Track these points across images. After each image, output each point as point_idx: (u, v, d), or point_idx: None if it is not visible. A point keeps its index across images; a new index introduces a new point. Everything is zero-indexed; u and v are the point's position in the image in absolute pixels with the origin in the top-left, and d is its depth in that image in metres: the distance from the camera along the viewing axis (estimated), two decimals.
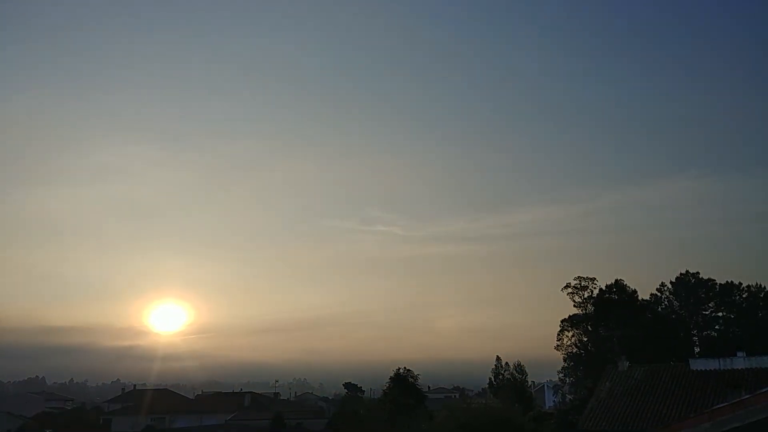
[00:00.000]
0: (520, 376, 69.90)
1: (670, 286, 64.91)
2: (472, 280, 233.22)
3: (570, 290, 62.39)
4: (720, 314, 63.60)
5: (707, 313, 63.56)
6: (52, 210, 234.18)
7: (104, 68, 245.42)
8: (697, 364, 33.44)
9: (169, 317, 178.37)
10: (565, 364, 62.71)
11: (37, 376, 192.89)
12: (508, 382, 68.61)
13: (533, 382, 78.13)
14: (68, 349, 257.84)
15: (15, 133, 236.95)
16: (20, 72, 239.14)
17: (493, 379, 72.45)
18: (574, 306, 61.92)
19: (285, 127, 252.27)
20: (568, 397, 61.98)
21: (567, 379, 64.92)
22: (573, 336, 61.18)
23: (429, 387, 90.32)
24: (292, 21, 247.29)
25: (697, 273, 64.59)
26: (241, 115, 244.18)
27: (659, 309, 62.72)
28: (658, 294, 64.66)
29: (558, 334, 61.64)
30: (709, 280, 64.08)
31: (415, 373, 51.98)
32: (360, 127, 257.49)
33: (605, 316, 54.74)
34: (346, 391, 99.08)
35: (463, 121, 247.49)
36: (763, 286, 62.15)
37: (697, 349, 58.63)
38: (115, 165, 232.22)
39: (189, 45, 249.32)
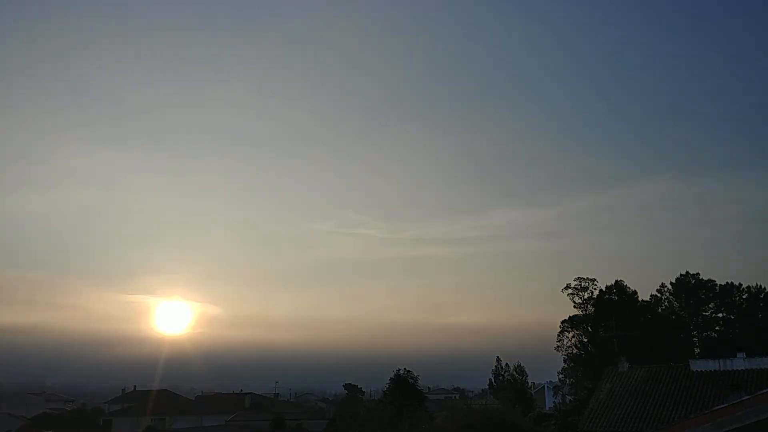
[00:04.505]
0: (520, 377, 69.98)
1: (670, 287, 64.98)
2: (457, 282, 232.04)
3: (570, 291, 62.46)
4: (720, 315, 63.69)
5: (707, 314, 63.66)
6: (29, 215, 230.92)
7: (73, 67, 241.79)
8: (698, 365, 33.42)
9: (169, 317, 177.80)
10: (566, 365, 62.75)
11: (37, 376, 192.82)
12: (508, 383, 68.72)
13: (533, 383, 78.19)
14: (68, 350, 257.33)
15: None
16: None
17: (493, 380, 72.58)
18: (574, 307, 61.99)
19: (266, 127, 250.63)
20: (568, 398, 62.00)
21: (567, 380, 64.97)
22: (573, 337, 61.21)
23: (429, 388, 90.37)
24: (268, 21, 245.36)
25: (697, 274, 64.73)
26: (221, 116, 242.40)
27: (659, 310, 62.75)
28: (659, 295, 64.73)
29: (558, 335, 61.71)
30: (710, 281, 64.16)
31: (415, 374, 52.03)
32: (337, 129, 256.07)
33: (605, 317, 54.75)
34: (346, 391, 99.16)
35: (437, 123, 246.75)
36: (763, 287, 62.26)
37: (697, 350, 58.70)
38: (84, 169, 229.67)
39: (169, 43, 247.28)
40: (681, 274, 65.10)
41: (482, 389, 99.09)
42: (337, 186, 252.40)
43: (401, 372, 51.58)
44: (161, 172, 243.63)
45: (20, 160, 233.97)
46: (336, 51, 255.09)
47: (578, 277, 62.83)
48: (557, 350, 61.74)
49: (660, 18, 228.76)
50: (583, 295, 61.90)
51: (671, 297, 65.00)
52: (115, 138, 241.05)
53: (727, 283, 63.58)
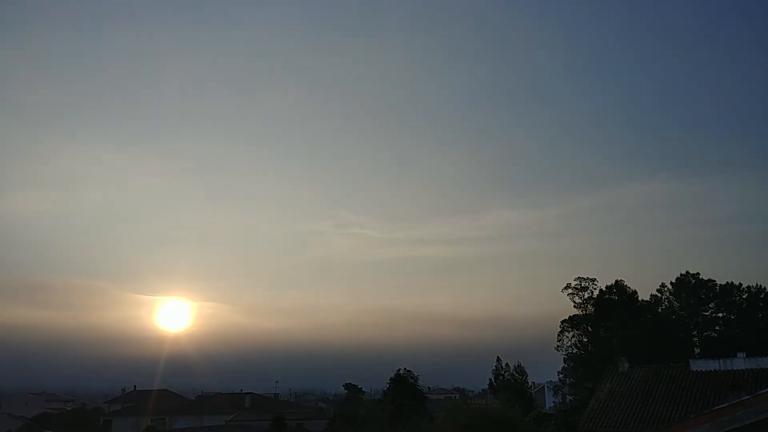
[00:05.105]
0: (520, 377, 69.99)
1: (670, 287, 64.97)
2: (455, 282, 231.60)
3: (570, 291, 62.49)
4: (720, 315, 63.68)
5: (707, 313, 63.64)
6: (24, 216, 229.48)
7: (74, 69, 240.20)
8: (698, 365, 33.46)
9: (168, 316, 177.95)
10: (566, 365, 62.78)
11: (37, 376, 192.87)
12: (508, 383, 68.71)
13: (533, 383, 78.17)
14: (69, 350, 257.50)
15: None
16: None
17: (493, 380, 72.52)
18: (574, 307, 62.03)
19: (258, 127, 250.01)
20: (569, 397, 62.02)
21: (567, 379, 64.99)
22: (573, 337, 61.26)
23: (429, 388, 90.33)
24: (266, 21, 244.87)
25: (697, 274, 64.71)
26: (219, 117, 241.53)
27: (659, 310, 62.76)
28: (659, 295, 64.73)
29: (558, 335, 61.76)
30: (710, 281, 64.14)
31: (415, 374, 52.03)
32: (331, 128, 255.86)
33: (605, 317, 54.80)
34: (346, 391, 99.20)
35: (433, 123, 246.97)
36: (763, 287, 62.26)
37: (697, 350, 58.69)
38: (83, 171, 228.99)
39: (169, 44, 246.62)
40: (681, 274, 65.08)
41: (482, 389, 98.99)
42: (333, 186, 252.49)
43: (401, 372, 51.59)
44: (159, 174, 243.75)
45: (22, 161, 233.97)
46: (333, 51, 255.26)
47: (578, 277, 62.91)
48: (557, 350, 61.81)
49: (659, 18, 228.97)
50: (583, 295, 61.93)
51: (671, 297, 64.99)
52: (115, 139, 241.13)
53: (727, 283, 63.57)
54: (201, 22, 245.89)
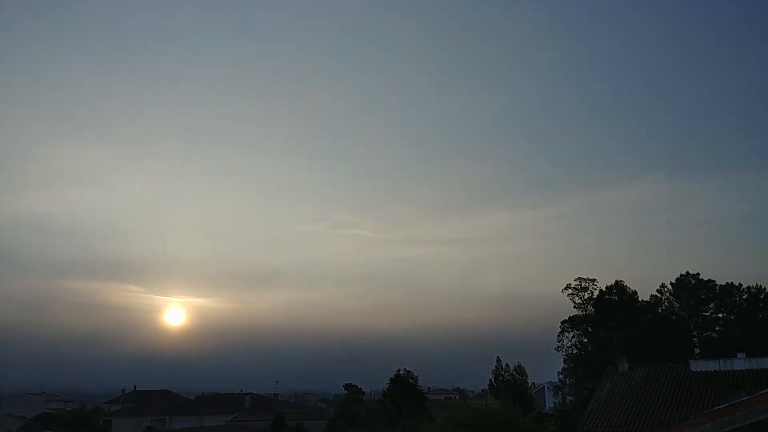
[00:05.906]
0: (520, 377, 70.06)
1: (670, 287, 64.99)
2: (453, 282, 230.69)
3: (570, 291, 62.53)
4: (720, 315, 63.69)
5: (707, 314, 63.63)
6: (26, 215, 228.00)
7: (56, 64, 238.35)
8: (698, 366, 33.47)
9: (167, 316, 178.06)
10: (566, 365, 62.82)
11: (37, 376, 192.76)
12: (508, 383, 68.79)
13: (533, 383, 78.21)
14: (69, 349, 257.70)
15: None
16: None
17: (493, 380, 72.57)
18: (574, 307, 62.07)
19: (255, 128, 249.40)
20: (569, 398, 62.02)
21: (567, 380, 65.01)
22: (573, 337, 61.31)
23: (429, 388, 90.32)
24: (261, 22, 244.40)
25: (698, 274, 64.71)
26: (205, 118, 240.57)
27: (659, 310, 62.78)
28: (659, 295, 64.75)
29: (558, 335, 61.83)
30: (710, 281, 64.15)
31: (415, 374, 52.03)
32: (327, 130, 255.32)
33: (605, 317, 54.81)
34: (346, 392, 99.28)
35: (430, 124, 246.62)
36: (763, 287, 62.24)
37: (697, 351, 58.68)
38: (79, 170, 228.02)
39: (163, 43, 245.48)
40: (681, 274, 65.09)
41: (482, 389, 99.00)
42: (329, 187, 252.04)
43: (401, 372, 51.58)
44: (157, 174, 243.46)
45: (18, 161, 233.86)
46: (328, 51, 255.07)
47: (578, 277, 62.98)
48: (557, 350, 61.88)
49: (657, 16, 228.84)
50: (583, 295, 61.99)
51: (671, 297, 64.99)
52: (113, 139, 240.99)
53: (727, 283, 63.57)
54: (200, 21, 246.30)
